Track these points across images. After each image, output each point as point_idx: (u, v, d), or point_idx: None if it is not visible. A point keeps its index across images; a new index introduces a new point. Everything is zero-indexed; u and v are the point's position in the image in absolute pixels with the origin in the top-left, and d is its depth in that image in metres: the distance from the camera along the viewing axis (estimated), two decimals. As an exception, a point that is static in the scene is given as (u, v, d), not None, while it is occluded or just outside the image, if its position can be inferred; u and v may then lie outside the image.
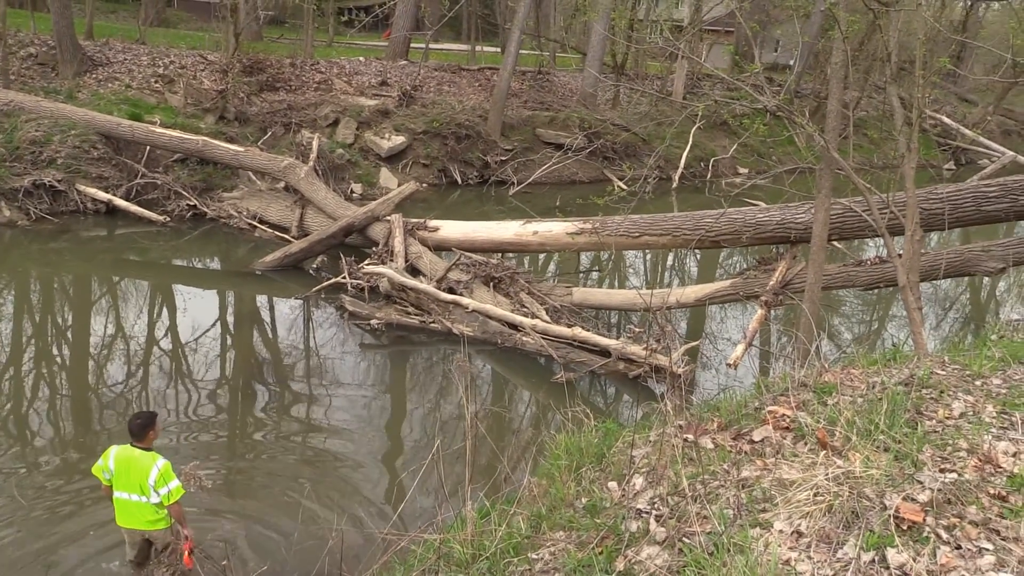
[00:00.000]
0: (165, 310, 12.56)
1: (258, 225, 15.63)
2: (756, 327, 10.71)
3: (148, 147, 16.67)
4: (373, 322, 11.55)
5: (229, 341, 11.50)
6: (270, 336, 11.87)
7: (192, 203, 16.24)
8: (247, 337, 11.75)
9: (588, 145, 23.11)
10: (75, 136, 15.86)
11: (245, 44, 23.02)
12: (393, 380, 10.79)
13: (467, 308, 11.48)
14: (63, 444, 8.17)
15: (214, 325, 11.90)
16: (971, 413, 4.64)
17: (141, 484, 5.42)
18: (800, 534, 3.57)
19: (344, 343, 11.38)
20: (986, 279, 15.58)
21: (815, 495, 3.74)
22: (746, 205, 13.28)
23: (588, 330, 10.98)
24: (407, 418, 9.59)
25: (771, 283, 10.87)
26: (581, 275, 15.97)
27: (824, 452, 4.20)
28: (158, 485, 5.37)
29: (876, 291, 12.91)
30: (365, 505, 7.42)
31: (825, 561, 3.37)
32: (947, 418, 4.58)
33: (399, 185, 17.90)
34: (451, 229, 13.60)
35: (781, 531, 3.62)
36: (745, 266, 12.63)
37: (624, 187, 19.29)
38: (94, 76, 20.00)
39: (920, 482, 3.75)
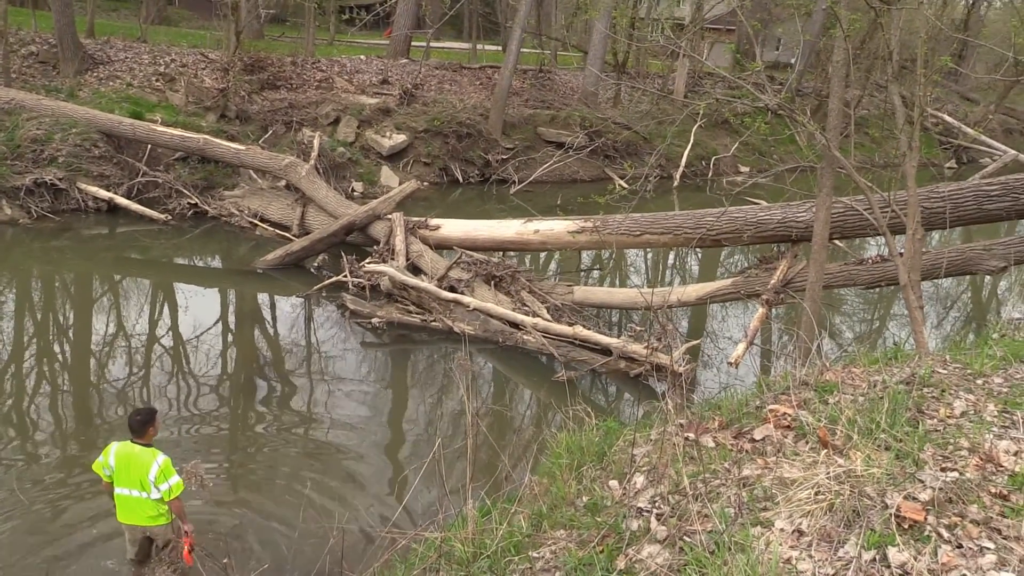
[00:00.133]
0: (166, 308, 12.57)
1: (259, 223, 15.64)
2: (757, 326, 10.71)
3: (149, 145, 16.68)
4: (374, 320, 11.56)
5: (230, 339, 11.50)
6: (271, 334, 11.88)
7: (193, 201, 16.25)
8: (248, 335, 11.75)
9: (589, 144, 23.11)
10: (76, 134, 15.87)
11: (246, 42, 23.02)
12: (394, 378, 10.79)
13: (468, 307, 11.48)
14: (64, 441, 8.18)
15: (215, 324, 11.90)
16: (972, 412, 4.64)
17: (142, 480, 5.45)
18: (801, 533, 3.57)
19: (345, 341, 11.38)
20: (987, 278, 15.58)
21: (816, 494, 3.74)
22: (747, 204, 13.28)
23: (589, 329, 10.98)
24: (408, 416, 9.59)
25: (772, 282, 10.87)
26: (582, 274, 15.97)
27: (825, 451, 4.20)
28: (158, 481, 5.40)
29: (877, 290, 12.91)
30: (366, 503, 7.42)
31: (826, 560, 3.36)
32: (948, 417, 4.58)
33: (400, 184, 17.90)
34: (452, 228, 13.60)
35: (782, 530, 3.62)
36: (746, 265, 12.62)
37: (625, 186, 19.30)
38: (95, 74, 20.00)
39: (921, 481, 3.75)
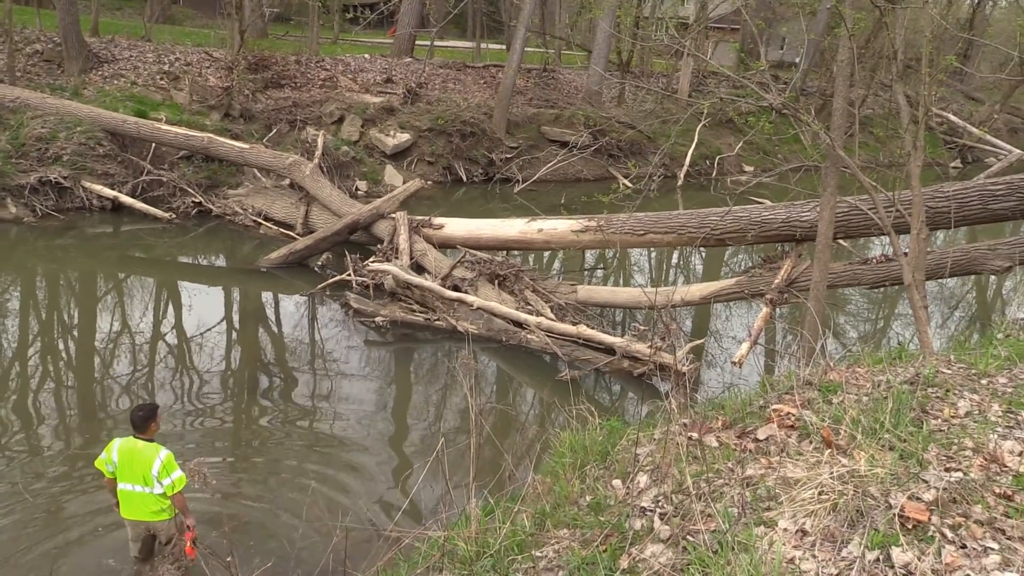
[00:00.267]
0: (170, 307, 12.59)
1: (263, 222, 15.65)
2: (761, 325, 10.70)
3: (153, 144, 16.71)
4: (378, 319, 11.57)
5: (234, 338, 11.52)
6: (275, 333, 11.89)
7: (197, 200, 16.27)
8: (252, 334, 11.77)
9: (593, 143, 23.10)
10: (81, 133, 15.90)
11: (250, 41, 23.03)
12: (398, 377, 10.80)
13: (472, 306, 11.48)
14: (69, 438, 8.21)
15: (219, 322, 11.92)
16: (977, 412, 4.63)
17: (144, 475, 5.50)
18: (804, 533, 3.56)
19: (349, 340, 11.39)
20: (992, 277, 15.55)
21: (820, 494, 3.74)
22: (751, 203, 13.27)
23: (593, 328, 10.97)
24: (412, 415, 9.60)
25: (776, 281, 10.86)
26: (586, 273, 15.96)
27: (829, 451, 4.19)
28: (161, 476, 5.45)
29: (882, 289, 12.89)
30: (370, 501, 7.43)
31: (830, 560, 3.36)
32: (952, 417, 4.57)
33: (404, 183, 17.91)
34: (456, 227, 13.60)
35: (785, 530, 3.61)
36: (750, 264, 12.61)
37: (629, 185, 19.17)
38: (100, 73, 20.03)
39: (925, 481, 3.74)
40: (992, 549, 3.30)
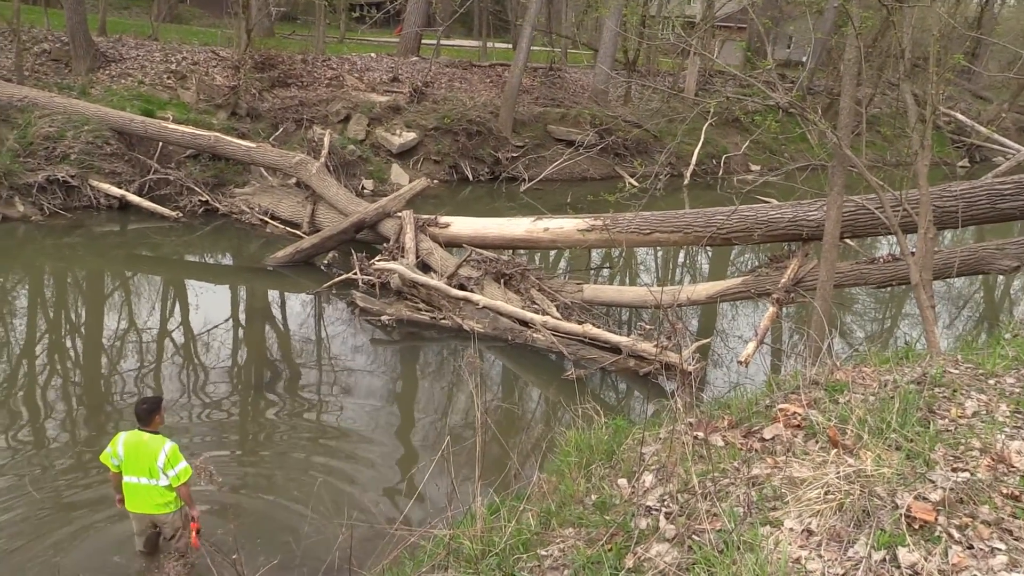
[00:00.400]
0: (177, 305, 12.63)
1: (270, 221, 15.69)
2: (767, 325, 10.67)
3: (161, 143, 16.76)
4: (384, 318, 11.58)
5: (240, 336, 11.55)
6: (281, 331, 11.91)
7: (204, 199, 16.31)
8: (258, 332, 11.80)
9: (599, 142, 23.10)
10: (88, 132, 15.95)
11: (257, 40, 23.06)
12: (404, 376, 10.81)
13: (478, 304, 11.48)
14: (76, 436, 8.24)
15: (226, 321, 11.95)
16: (984, 412, 4.61)
17: (150, 467, 5.57)
18: (811, 532, 3.56)
19: (355, 339, 11.41)
20: (1000, 277, 15.49)
21: (826, 493, 3.73)
22: (758, 202, 13.24)
23: (599, 327, 10.97)
24: (417, 414, 9.61)
25: (783, 281, 10.83)
26: (592, 272, 15.95)
27: (835, 450, 4.19)
28: (167, 467, 5.53)
29: (889, 289, 12.86)
30: (375, 500, 7.44)
31: (836, 560, 3.35)
32: (960, 417, 4.56)
33: (410, 181, 17.91)
34: (462, 225, 13.60)
35: (791, 529, 3.60)
36: (757, 264, 12.58)
37: (635, 184, 19.18)
38: (107, 72, 20.09)
39: (932, 481, 3.73)
40: (999, 550, 3.29)
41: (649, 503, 4.18)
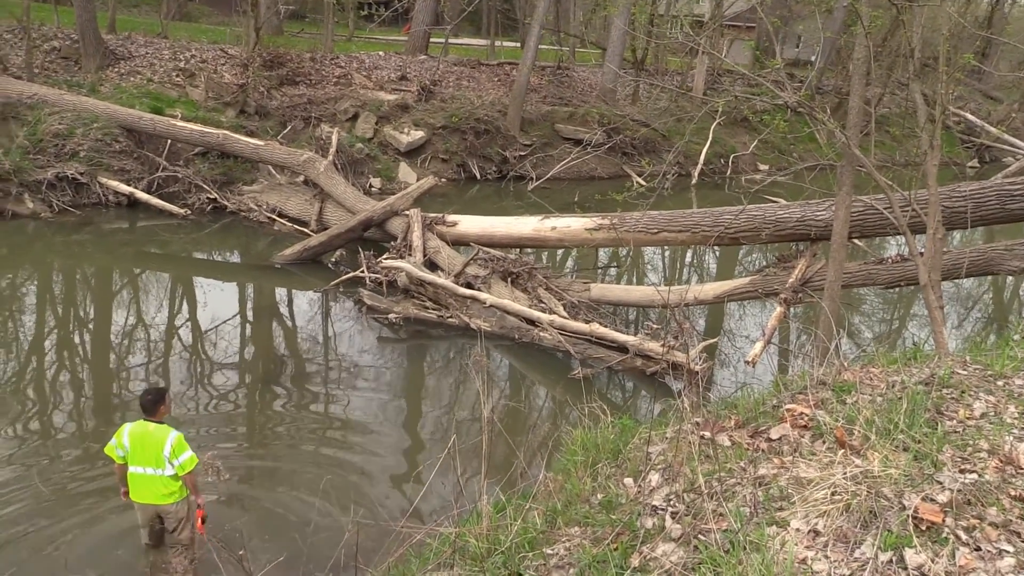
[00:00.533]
0: (185, 302, 12.66)
1: (277, 219, 15.72)
2: (775, 325, 10.65)
3: (169, 140, 16.81)
4: (391, 316, 11.59)
5: (248, 334, 11.58)
6: (289, 329, 11.94)
7: (212, 196, 16.36)
8: (266, 330, 11.83)
9: (607, 141, 23.05)
10: (97, 129, 16.00)
11: (266, 38, 23.11)
12: (410, 374, 10.82)
13: (485, 303, 11.49)
14: (83, 428, 8.29)
15: (233, 318, 11.98)
16: (992, 413, 4.59)
17: (156, 456, 5.63)
18: (817, 533, 3.55)
19: (362, 337, 11.43)
20: (1009, 278, 15.43)
21: (833, 494, 3.72)
22: (766, 202, 13.22)
23: (606, 326, 10.96)
24: (424, 412, 9.63)
25: (791, 281, 10.81)
26: (599, 271, 15.93)
27: (842, 451, 4.18)
28: (172, 456, 5.60)
29: (897, 290, 12.80)
30: (381, 497, 7.46)
31: (842, 560, 3.34)
32: (968, 418, 4.54)
33: (418, 180, 17.92)
34: (469, 224, 13.61)
35: (798, 530, 3.60)
36: (764, 263, 12.56)
37: (643, 183, 19.12)
38: (116, 70, 20.16)
39: (940, 482, 3.72)
40: (1007, 552, 3.28)
41: (655, 502, 4.18)
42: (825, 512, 3.63)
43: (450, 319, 11.59)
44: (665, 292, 10.93)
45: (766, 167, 25.81)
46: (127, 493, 5.88)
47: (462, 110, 22.12)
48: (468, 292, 11.70)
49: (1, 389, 9.14)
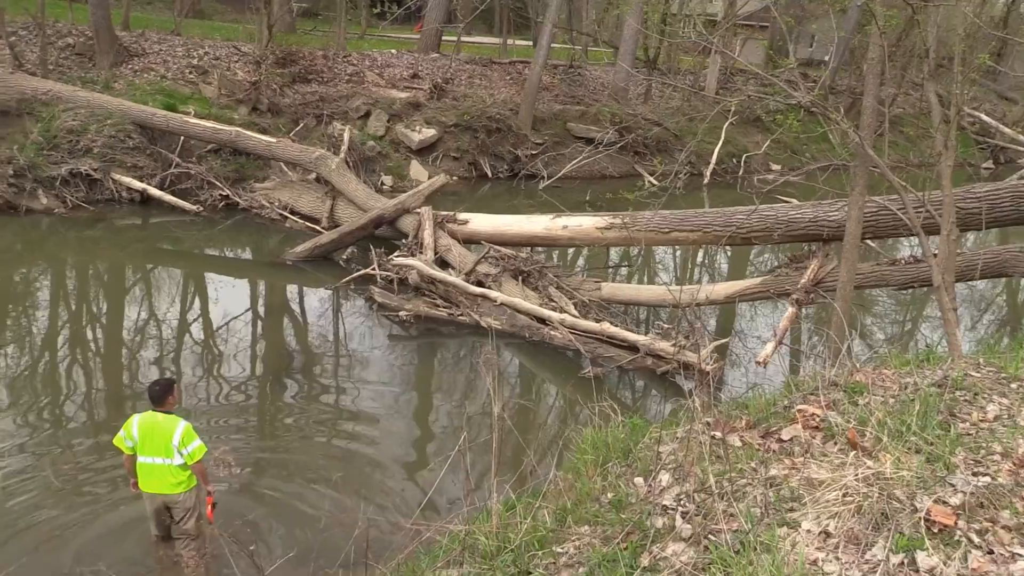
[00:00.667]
0: (197, 299, 12.72)
1: (289, 216, 15.76)
2: (787, 325, 10.61)
3: (182, 137, 16.87)
4: (402, 314, 11.61)
5: (259, 330, 11.62)
6: (300, 326, 11.98)
7: (225, 193, 16.41)
8: (277, 326, 11.87)
9: (619, 140, 23.01)
10: (111, 126, 16.08)
11: (278, 36, 23.17)
12: (421, 372, 10.84)
13: (495, 301, 11.49)
14: (95, 426, 8.33)
15: (245, 314, 12.02)
16: (1006, 416, 4.56)
17: (166, 446, 5.68)
18: (828, 534, 3.54)
19: (373, 334, 11.45)
20: (1023, 280, 15.30)
21: (844, 495, 3.70)
22: (778, 202, 13.17)
23: (617, 325, 10.95)
24: (434, 410, 9.64)
25: (803, 281, 10.76)
26: (610, 270, 15.90)
27: (854, 452, 4.16)
28: (181, 445, 5.66)
29: (910, 291, 12.74)
30: (392, 494, 7.48)
31: (853, 562, 3.33)
32: (981, 421, 4.51)
33: (429, 178, 17.94)
34: (480, 222, 13.61)
35: (809, 531, 3.59)
36: (776, 264, 12.51)
37: (655, 182, 19.15)
38: (130, 66, 20.25)
39: (952, 485, 3.70)
40: (1020, 555, 3.26)
41: (665, 502, 4.17)
42: (836, 513, 3.62)
43: (461, 317, 11.60)
44: (676, 292, 10.90)
45: (778, 167, 25.70)
46: (136, 484, 5.94)
47: (474, 108, 22.12)
48: (479, 290, 11.71)
49: (16, 381, 9.22)
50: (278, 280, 13.52)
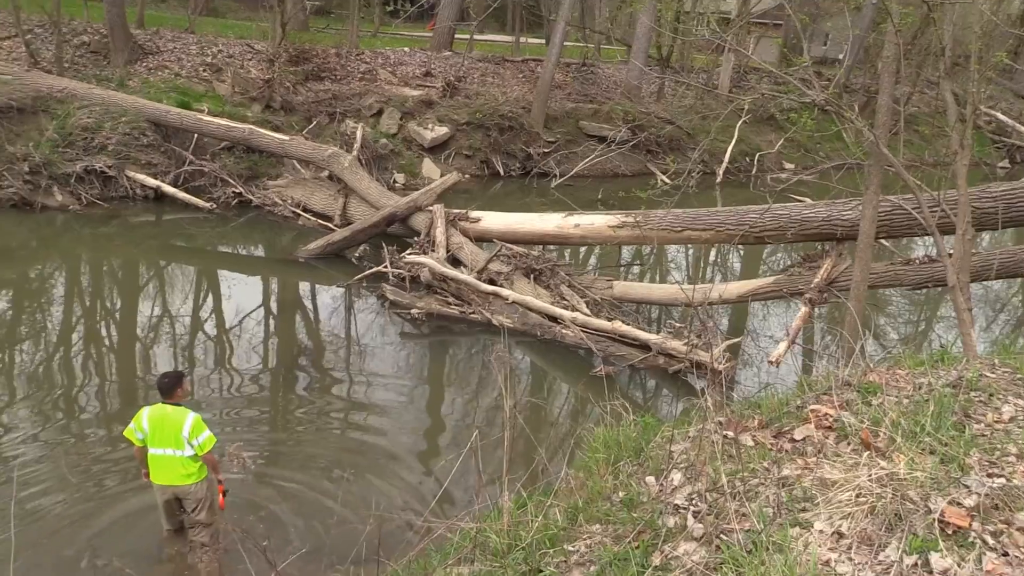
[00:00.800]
0: (210, 295, 12.78)
1: (302, 213, 15.81)
2: (800, 325, 10.57)
3: (196, 135, 16.96)
4: (414, 311, 11.63)
5: (272, 327, 11.66)
6: (312, 323, 12.02)
7: (238, 190, 16.49)
8: (290, 323, 11.91)
9: (632, 138, 22.97)
10: (125, 123, 16.18)
11: (292, 34, 23.23)
12: (433, 370, 10.85)
13: (507, 299, 11.49)
14: (108, 417, 8.41)
15: (257, 310, 12.08)
16: (1021, 417, 4.53)
17: (176, 437, 5.73)
18: (841, 535, 3.52)
19: (385, 332, 11.47)
20: (1039, 281, 15.18)
21: (857, 496, 3.68)
22: (791, 201, 13.10)
23: (628, 324, 10.93)
24: (446, 407, 9.65)
25: (816, 281, 10.72)
26: (622, 269, 15.88)
27: (867, 453, 4.13)
28: (191, 436, 5.71)
29: (924, 291, 12.66)
30: (403, 492, 7.49)
31: (866, 563, 3.31)
32: (996, 422, 4.48)
33: (441, 176, 17.96)
34: (493, 220, 13.62)
35: (821, 531, 3.57)
36: (789, 263, 12.46)
37: (667, 181, 19.11)
38: (144, 64, 20.36)
39: (967, 486, 3.67)
40: (1035, 557, 3.23)
41: (677, 501, 4.16)
42: (849, 514, 3.60)
43: (472, 315, 11.61)
44: (689, 290, 10.88)
45: (792, 166, 25.60)
46: (148, 475, 5.99)
47: (486, 106, 22.12)
48: (491, 288, 11.71)
49: (31, 373, 9.31)
50: (290, 277, 13.57)
